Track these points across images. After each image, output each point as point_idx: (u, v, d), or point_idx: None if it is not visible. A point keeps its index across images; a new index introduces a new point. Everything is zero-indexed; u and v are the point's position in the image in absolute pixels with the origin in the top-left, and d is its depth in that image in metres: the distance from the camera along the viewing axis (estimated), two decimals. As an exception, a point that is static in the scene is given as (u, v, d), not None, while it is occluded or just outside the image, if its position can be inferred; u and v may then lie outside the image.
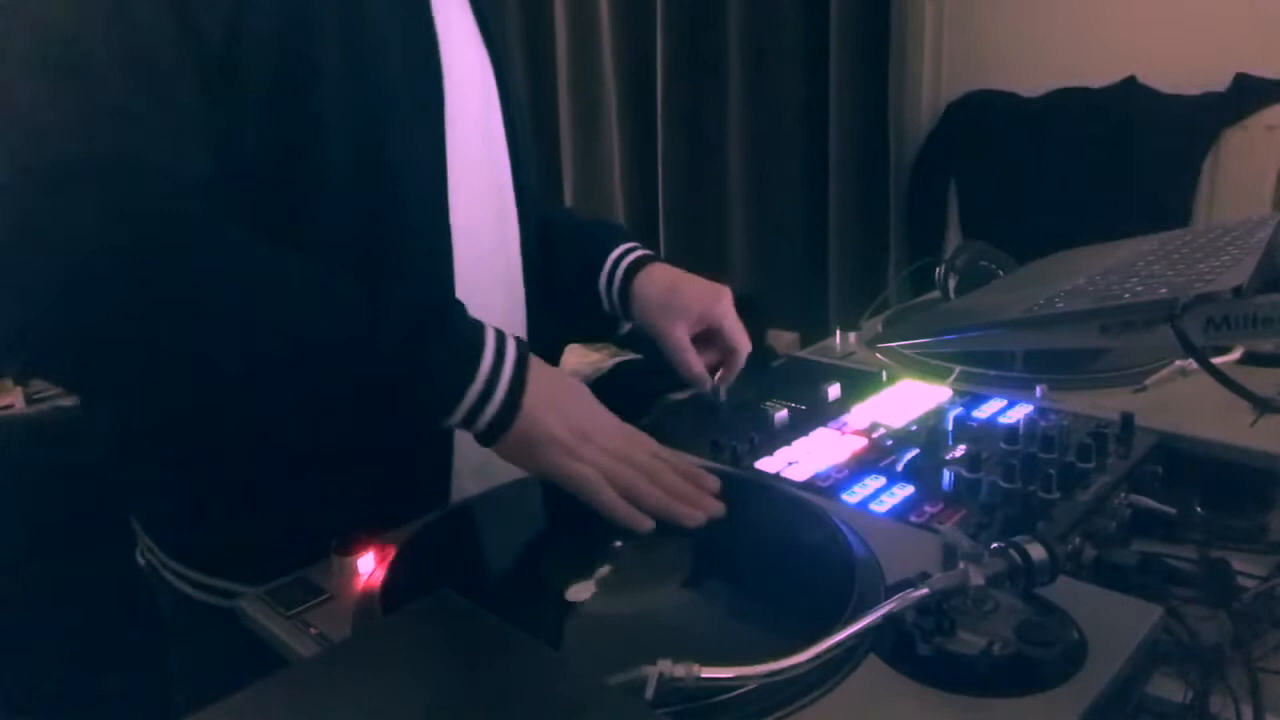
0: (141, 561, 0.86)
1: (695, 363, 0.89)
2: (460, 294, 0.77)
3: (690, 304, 0.90)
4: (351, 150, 0.69)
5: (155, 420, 0.78)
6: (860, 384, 0.96)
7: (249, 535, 0.74)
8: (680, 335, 0.89)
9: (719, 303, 0.90)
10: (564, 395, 0.70)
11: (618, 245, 0.95)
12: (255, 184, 0.68)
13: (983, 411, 0.88)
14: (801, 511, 0.69)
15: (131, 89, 0.60)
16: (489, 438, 0.67)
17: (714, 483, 0.70)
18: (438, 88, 0.75)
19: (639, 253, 0.94)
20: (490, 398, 0.65)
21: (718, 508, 0.68)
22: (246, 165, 0.67)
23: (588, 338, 1.62)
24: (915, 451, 0.78)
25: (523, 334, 0.87)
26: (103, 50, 0.60)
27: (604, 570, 0.61)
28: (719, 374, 0.92)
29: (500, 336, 0.67)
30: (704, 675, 0.47)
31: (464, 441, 0.81)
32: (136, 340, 0.60)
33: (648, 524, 0.66)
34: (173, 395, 0.65)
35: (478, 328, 0.67)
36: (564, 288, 0.96)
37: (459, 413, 0.65)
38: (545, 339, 0.90)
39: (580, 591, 0.59)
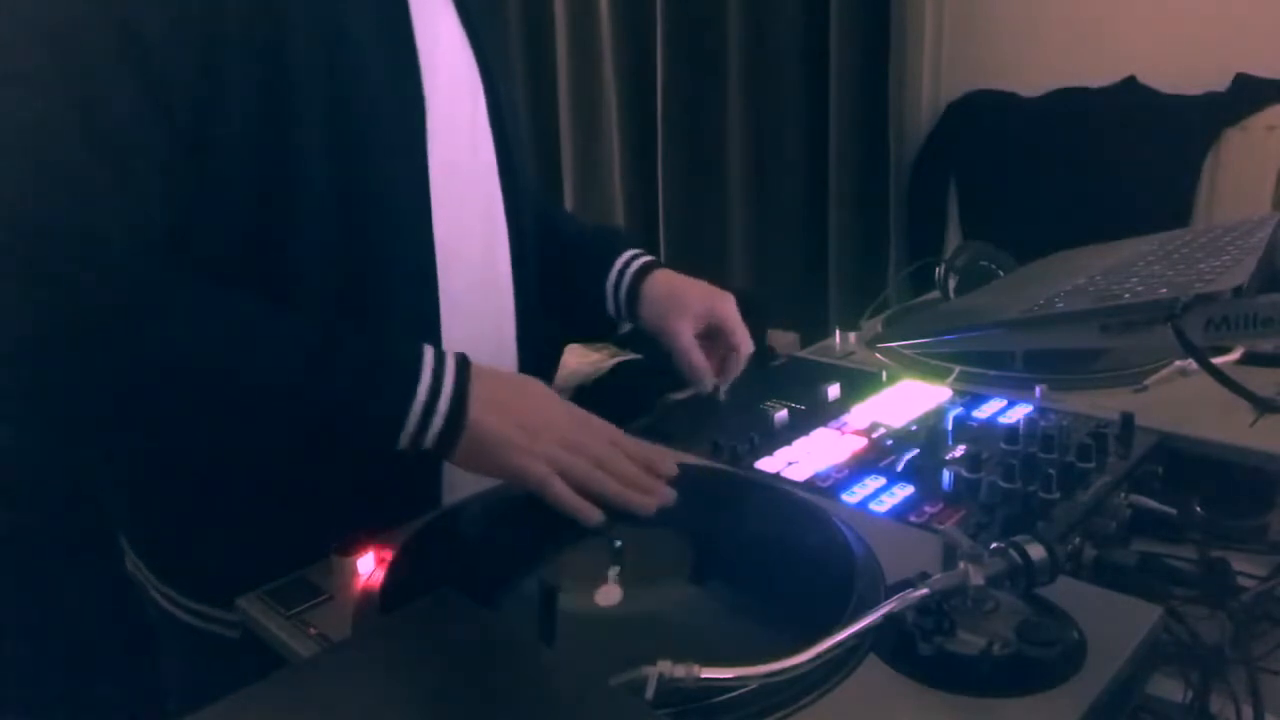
0: (130, 568, 0.86)
1: (699, 359, 0.90)
2: (445, 305, 0.78)
3: (695, 302, 0.91)
4: (332, 171, 0.69)
5: (119, 450, 0.79)
6: (860, 384, 0.96)
7: (234, 558, 0.74)
8: (685, 331, 0.90)
9: (724, 302, 0.92)
10: (509, 395, 0.70)
11: (625, 250, 0.97)
12: (237, 208, 0.68)
13: (983, 411, 0.88)
14: (801, 511, 0.69)
15: (75, 150, 0.60)
16: (440, 452, 0.68)
17: (670, 467, 0.71)
18: (419, 108, 0.75)
19: (646, 258, 0.97)
20: (432, 414, 0.66)
21: (669, 495, 0.68)
22: (227, 190, 0.67)
23: (588, 338, 1.62)
24: (915, 451, 0.78)
25: (511, 340, 0.88)
26: (61, 113, 0.59)
27: (604, 570, 0.61)
28: (720, 374, 0.93)
29: (438, 355, 0.68)
30: (704, 675, 0.47)
31: None
32: (96, 396, 0.63)
33: (596, 515, 0.66)
34: (129, 437, 0.69)
35: (414, 353, 0.67)
36: (570, 289, 0.98)
37: (405, 437, 0.66)
38: (538, 342, 0.90)
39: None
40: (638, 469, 0.70)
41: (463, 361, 0.69)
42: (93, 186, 0.61)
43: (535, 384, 0.74)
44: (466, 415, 0.67)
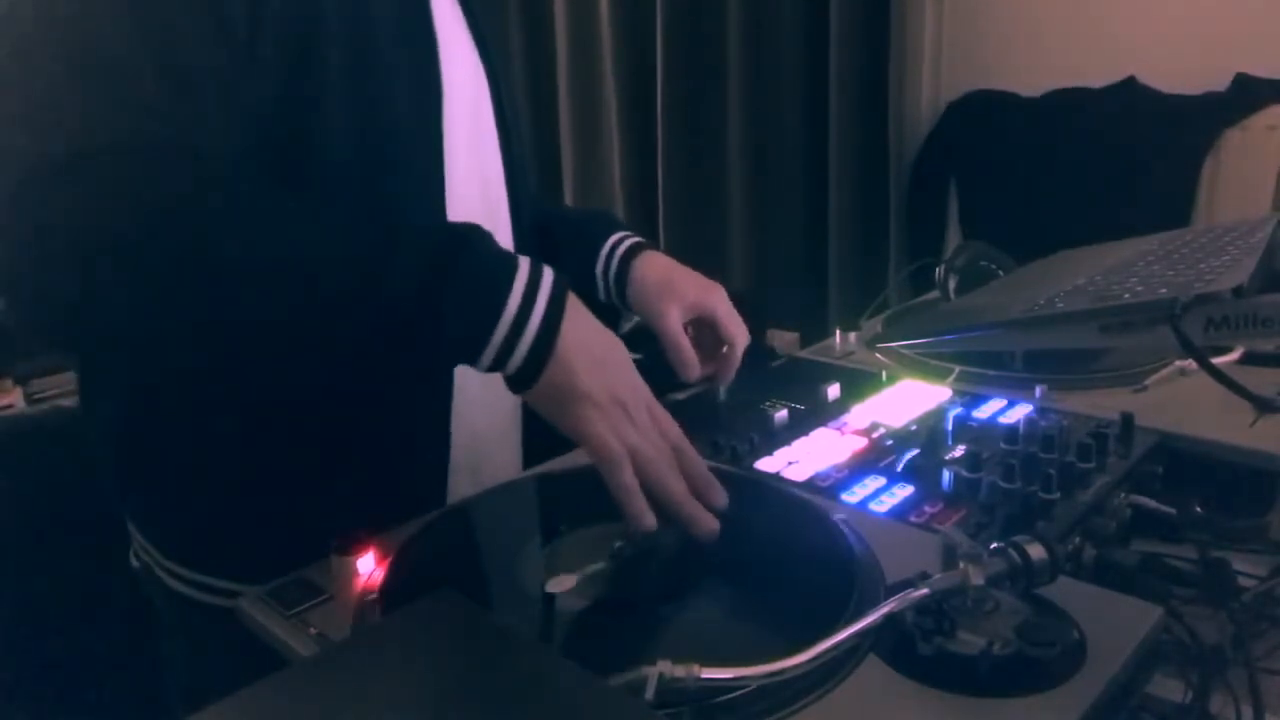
0: (135, 563, 0.86)
1: (685, 346, 0.85)
2: None
3: (685, 289, 0.87)
4: (346, 155, 0.69)
5: (167, 391, 0.77)
6: (860, 384, 0.96)
7: (245, 533, 0.74)
8: (673, 317, 0.86)
9: (714, 292, 0.88)
10: (604, 351, 0.64)
11: (614, 232, 0.94)
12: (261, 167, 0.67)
13: (983, 411, 0.88)
14: (801, 511, 0.69)
15: (153, 79, 0.60)
16: (518, 384, 0.62)
17: (723, 498, 0.66)
18: (436, 94, 0.75)
19: (635, 239, 0.94)
20: (519, 338, 0.60)
21: (716, 527, 0.64)
22: (249, 160, 0.67)
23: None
24: (915, 451, 0.78)
25: None
26: (123, 40, 0.59)
27: (604, 570, 0.61)
28: (719, 370, 0.89)
29: (535, 270, 0.62)
30: (704, 676, 0.47)
31: (460, 441, 0.81)
32: (168, 298, 0.59)
33: (652, 522, 0.61)
34: (199, 352, 0.64)
35: (506, 260, 0.62)
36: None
37: (487, 356, 0.61)
38: None
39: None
40: (704, 487, 0.65)
41: (560, 280, 0.63)
42: (168, 108, 0.60)
43: (622, 345, 0.67)
44: (556, 342, 0.61)
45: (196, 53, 0.62)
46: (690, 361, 0.85)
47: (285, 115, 0.67)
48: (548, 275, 0.62)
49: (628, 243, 0.93)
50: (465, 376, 0.77)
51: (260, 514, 0.75)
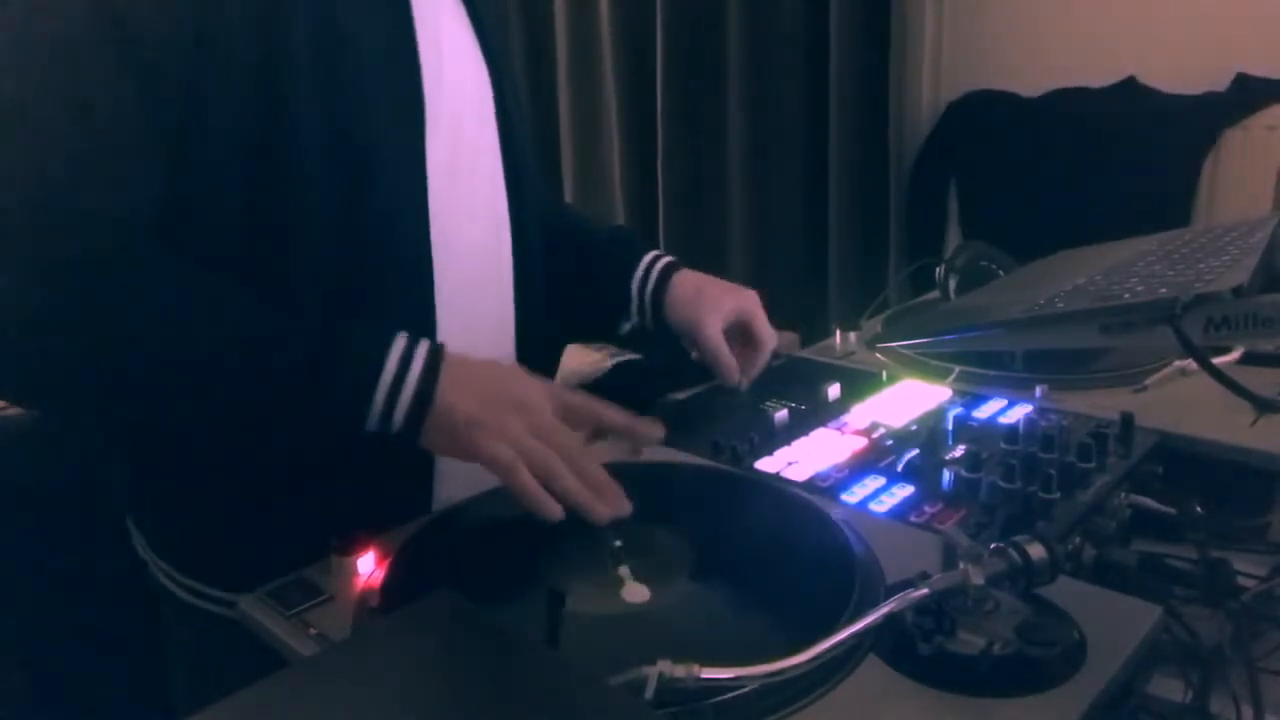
0: (136, 562, 0.87)
1: (728, 355, 0.92)
2: (443, 303, 0.78)
3: (722, 299, 0.93)
4: (323, 160, 0.70)
5: (113, 430, 0.80)
6: (860, 384, 0.96)
7: (236, 543, 0.75)
8: (714, 327, 0.92)
9: (750, 299, 0.95)
10: (482, 378, 0.69)
11: (644, 251, 0.99)
12: (231, 205, 0.68)
13: (983, 411, 0.88)
14: (802, 511, 0.69)
15: (60, 124, 0.61)
16: (409, 433, 0.67)
17: (619, 498, 0.67)
18: (418, 109, 0.75)
19: (669, 258, 0.99)
20: (401, 388, 0.66)
21: (626, 507, 0.66)
22: (221, 185, 0.68)
23: (590, 338, 1.62)
24: (915, 451, 0.78)
25: (510, 340, 0.88)
26: (33, 81, 0.60)
27: (604, 570, 0.61)
28: (746, 369, 0.94)
29: (412, 338, 0.68)
30: (704, 676, 0.47)
31: None
32: (73, 374, 0.63)
33: (556, 511, 0.64)
34: (114, 416, 0.69)
35: (386, 334, 0.67)
36: (589, 290, 1.00)
37: (373, 414, 0.66)
38: (538, 343, 0.91)
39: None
40: (605, 473, 0.67)
41: (436, 346, 0.68)
42: (83, 172, 0.62)
43: (512, 368, 0.73)
44: (435, 393, 0.66)
45: (116, 110, 0.62)
46: (733, 367, 0.93)
47: (252, 136, 0.67)
48: (422, 343, 0.68)
49: (661, 263, 0.98)
50: None
51: (249, 525, 0.75)
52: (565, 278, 0.97)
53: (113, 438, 0.82)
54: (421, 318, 0.77)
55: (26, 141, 0.61)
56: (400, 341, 0.67)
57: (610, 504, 0.65)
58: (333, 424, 0.67)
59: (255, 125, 0.67)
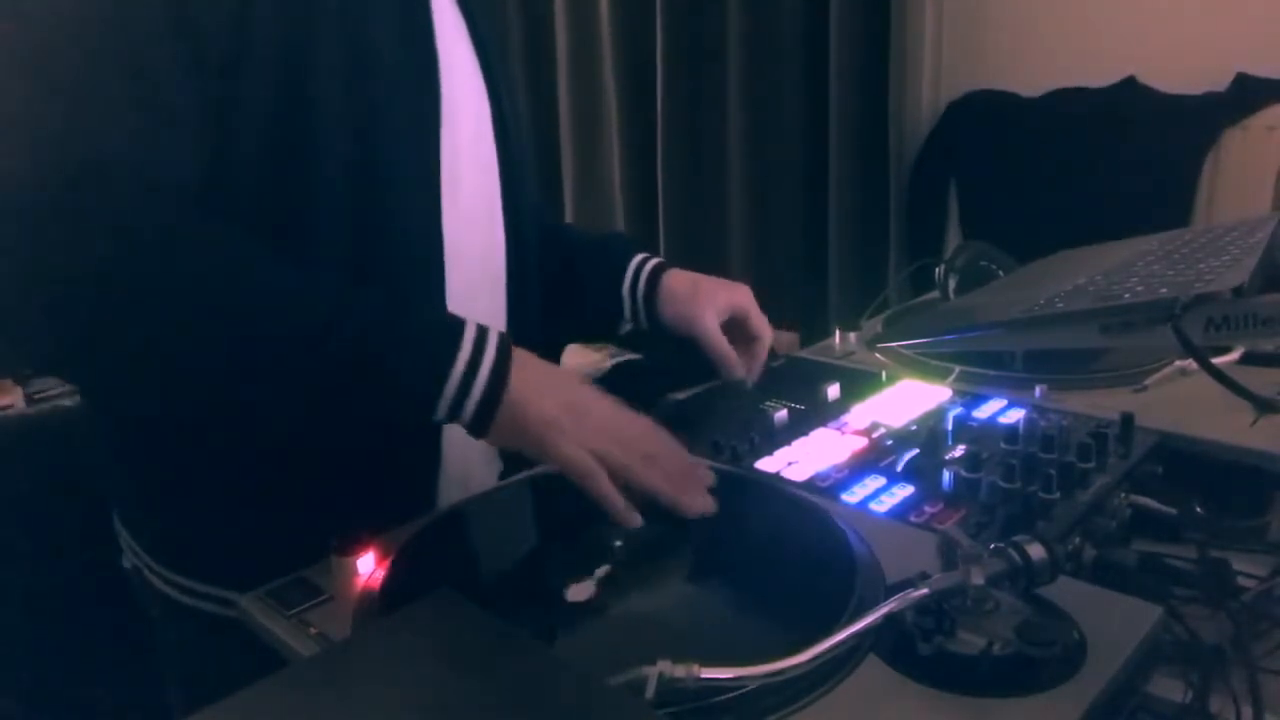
0: (127, 565, 0.86)
1: (728, 348, 0.92)
2: (450, 302, 0.78)
3: (715, 293, 0.93)
4: (344, 164, 0.70)
5: (156, 413, 0.78)
6: (860, 384, 0.96)
7: (234, 543, 0.75)
8: (710, 321, 0.92)
9: (742, 293, 0.94)
10: (555, 378, 0.69)
11: (637, 253, 0.99)
12: (249, 194, 0.68)
13: (983, 411, 0.88)
14: (802, 511, 0.69)
15: (118, 92, 0.61)
16: (477, 428, 0.66)
17: (709, 477, 0.70)
18: (434, 105, 0.75)
19: (658, 259, 0.99)
20: (471, 386, 0.64)
21: (712, 503, 0.67)
22: (241, 175, 0.68)
23: (588, 339, 1.62)
24: (915, 451, 0.78)
25: None
26: (93, 52, 0.60)
27: (604, 570, 0.61)
28: (748, 364, 0.94)
29: (481, 329, 0.67)
30: (704, 676, 0.47)
31: (450, 449, 0.81)
32: (122, 341, 0.61)
33: (636, 519, 0.65)
34: (164, 390, 0.66)
35: (456, 321, 0.66)
36: (580, 293, 1.00)
37: (443, 402, 0.65)
38: (530, 345, 0.91)
39: (580, 591, 0.59)
40: (681, 471, 0.68)
41: (505, 337, 0.67)
42: (134, 132, 0.61)
43: (578, 374, 0.73)
44: (507, 387, 0.65)
45: (169, 81, 0.62)
46: (733, 360, 0.92)
47: (278, 133, 0.67)
48: (493, 334, 0.67)
49: (651, 263, 0.98)
50: None
51: (250, 524, 0.75)
52: (557, 285, 0.97)
53: (114, 435, 0.82)
54: None
55: (83, 106, 0.60)
56: (471, 327, 0.66)
57: (697, 497, 0.66)
58: (400, 412, 0.67)
59: (280, 127, 0.67)
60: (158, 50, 0.62)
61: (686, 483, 0.67)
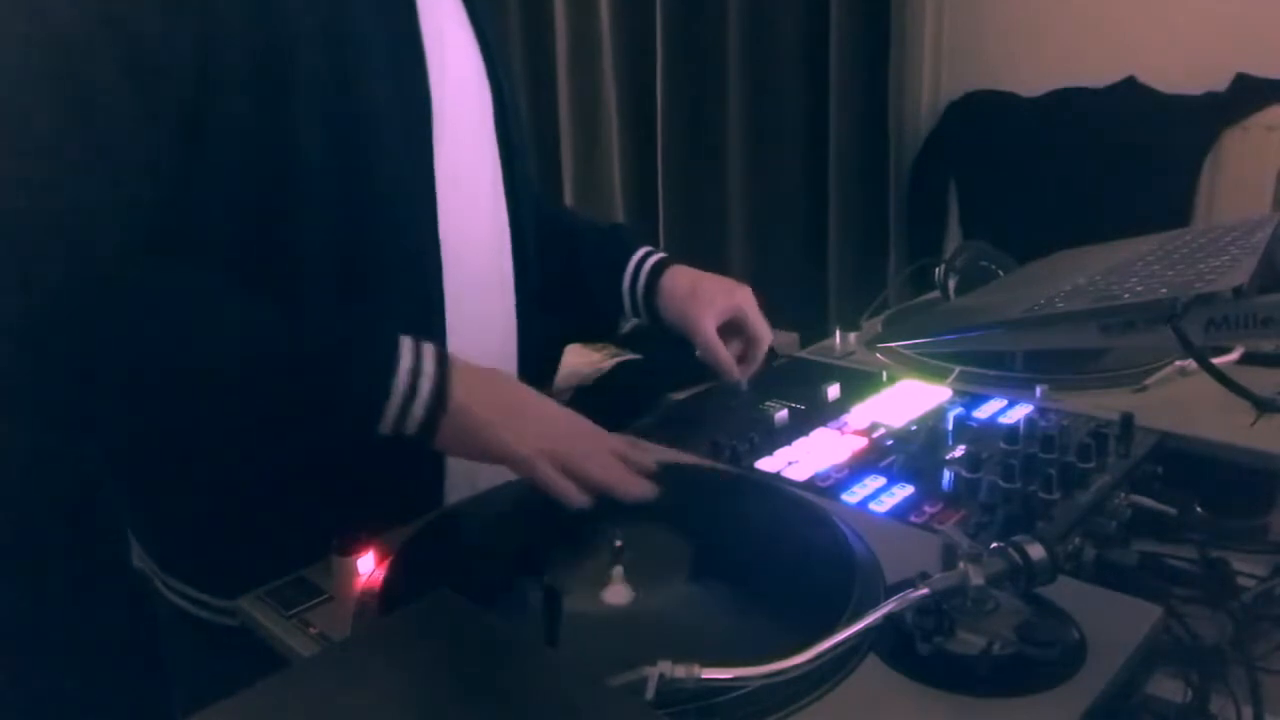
0: (138, 564, 0.86)
1: (724, 351, 0.91)
2: (450, 305, 0.78)
3: (715, 295, 0.93)
4: (333, 171, 0.69)
5: (124, 444, 0.79)
6: (860, 384, 0.96)
7: (239, 552, 0.74)
8: (709, 323, 0.91)
9: (743, 295, 0.94)
10: (493, 384, 0.71)
11: (639, 247, 0.98)
12: (237, 206, 0.68)
13: (983, 411, 0.88)
14: (802, 511, 0.69)
15: (69, 142, 0.61)
16: (424, 435, 0.68)
17: (649, 464, 0.72)
18: (425, 108, 0.75)
19: (660, 254, 0.98)
20: (415, 393, 0.66)
21: (651, 488, 0.69)
22: (226, 188, 0.67)
23: (589, 337, 1.62)
24: (915, 451, 0.78)
25: (513, 339, 0.88)
26: (46, 103, 0.60)
27: (604, 569, 0.61)
28: (744, 366, 0.94)
29: (416, 341, 0.68)
30: (704, 676, 0.47)
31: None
32: (112, 371, 0.64)
33: (582, 499, 0.67)
34: (123, 426, 0.70)
35: (391, 337, 0.68)
36: (581, 288, 0.99)
37: (388, 418, 0.66)
38: (541, 340, 0.91)
39: (616, 594, 0.59)
40: (619, 461, 0.71)
41: (441, 350, 0.69)
42: (79, 181, 0.62)
43: (516, 380, 0.75)
44: (449, 396, 0.67)
45: (120, 130, 0.62)
46: (729, 366, 0.92)
47: (259, 149, 0.67)
48: (429, 347, 0.68)
49: (653, 259, 0.97)
50: None
51: (255, 533, 0.75)
52: (559, 278, 0.97)
53: (111, 451, 0.82)
54: (430, 323, 0.77)
55: (25, 145, 0.60)
56: (407, 343, 0.68)
57: (633, 485, 0.68)
58: (347, 430, 0.68)
59: (258, 128, 0.67)
60: (109, 99, 0.62)
61: (622, 470, 0.69)
